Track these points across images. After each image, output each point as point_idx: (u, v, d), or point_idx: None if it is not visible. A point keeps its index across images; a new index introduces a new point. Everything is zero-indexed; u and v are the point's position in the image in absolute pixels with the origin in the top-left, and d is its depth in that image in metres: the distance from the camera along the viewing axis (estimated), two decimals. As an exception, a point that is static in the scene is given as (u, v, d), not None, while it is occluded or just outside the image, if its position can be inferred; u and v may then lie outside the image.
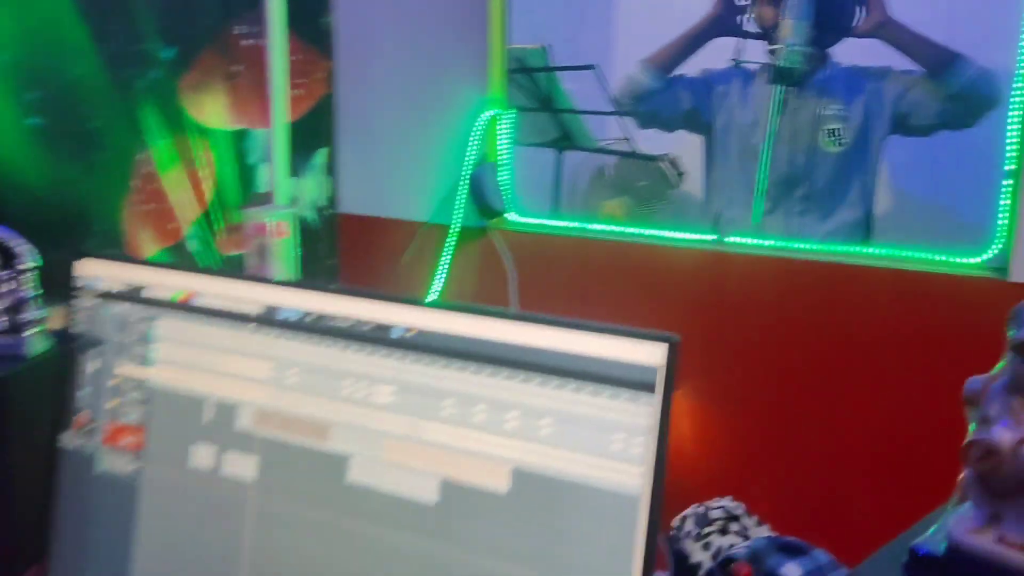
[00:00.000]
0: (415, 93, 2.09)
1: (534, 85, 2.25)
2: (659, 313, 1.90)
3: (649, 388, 0.65)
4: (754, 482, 1.75)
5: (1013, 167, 1.56)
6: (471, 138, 2.02)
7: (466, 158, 2.03)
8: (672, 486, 0.64)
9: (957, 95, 1.97)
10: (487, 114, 2.02)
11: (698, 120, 2.34)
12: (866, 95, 2.16)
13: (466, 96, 2.03)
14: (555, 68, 2.18)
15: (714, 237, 1.85)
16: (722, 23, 2.15)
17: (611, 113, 2.20)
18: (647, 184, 3.07)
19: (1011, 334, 0.74)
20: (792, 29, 1.96)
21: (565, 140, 2.35)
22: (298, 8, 2.01)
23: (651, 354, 0.65)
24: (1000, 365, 0.75)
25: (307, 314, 0.77)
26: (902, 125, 2.16)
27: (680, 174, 3.20)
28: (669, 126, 2.36)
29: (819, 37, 2.07)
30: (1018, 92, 1.53)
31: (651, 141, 2.50)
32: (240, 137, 2.12)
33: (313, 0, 2.08)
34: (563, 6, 2.97)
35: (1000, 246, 1.62)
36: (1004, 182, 1.59)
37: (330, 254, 2.20)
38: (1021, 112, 1.54)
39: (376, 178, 2.19)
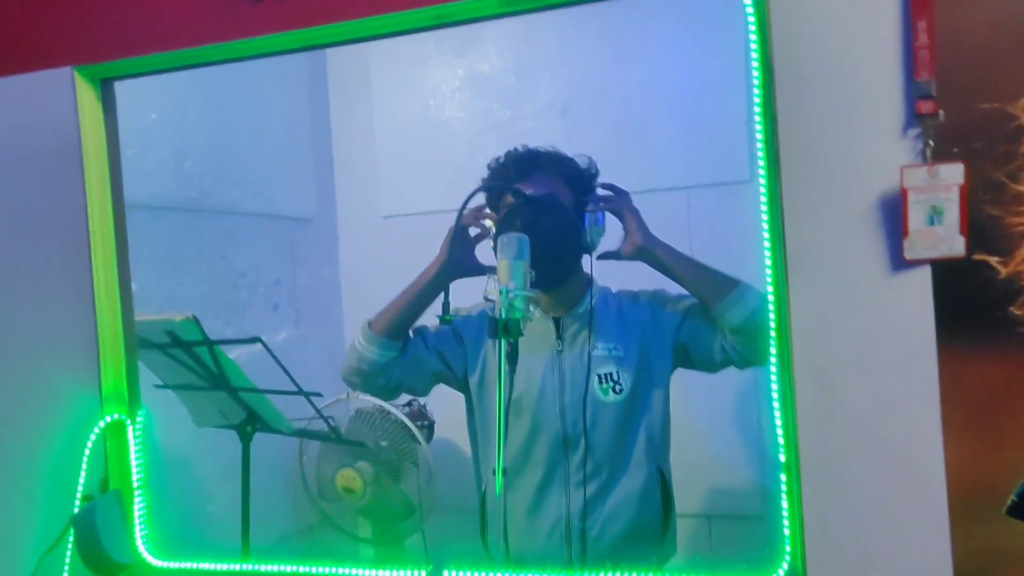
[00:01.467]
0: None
1: (196, 361, 1.71)
2: None
3: None
4: None
5: (785, 458, 1.15)
6: (82, 459, 1.41)
7: (77, 488, 1.41)
8: None
9: (740, 328, 1.60)
10: (104, 420, 1.43)
11: (451, 376, 1.84)
12: (640, 327, 1.76)
13: (72, 398, 1.43)
14: (214, 342, 1.65)
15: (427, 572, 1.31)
16: (457, 265, 1.71)
17: (296, 393, 1.68)
18: (389, 444, 2.54)
19: None
20: (509, 271, 1.52)
21: (252, 422, 1.80)
22: None
23: None
24: None
25: None
26: (685, 358, 1.77)
27: (428, 426, 2.71)
28: (419, 391, 1.85)
29: (553, 272, 1.65)
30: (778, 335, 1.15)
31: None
32: None
33: None
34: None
35: (790, 560, 1.18)
36: (780, 475, 1.17)
37: None
38: (782, 384, 1.15)
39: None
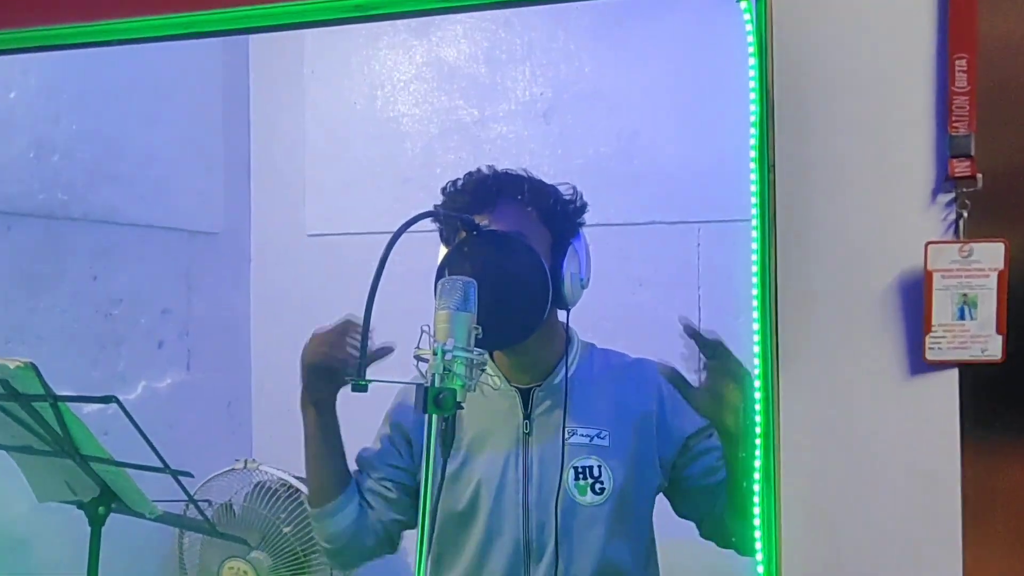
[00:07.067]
0: None
1: (36, 419, 1.68)
2: None
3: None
4: None
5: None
6: None
7: None
8: None
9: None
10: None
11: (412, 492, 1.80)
12: (640, 415, 1.71)
13: None
14: (59, 397, 1.62)
15: None
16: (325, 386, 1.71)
17: (161, 471, 1.65)
18: (293, 531, 2.49)
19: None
20: (448, 325, 1.46)
21: (105, 501, 1.77)
22: None
23: None
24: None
25: None
26: (672, 488, 1.74)
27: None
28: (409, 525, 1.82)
29: (506, 331, 1.60)
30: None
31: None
32: None
33: None
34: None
35: None
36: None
37: None
38: (764, 500, 1.14)
39: None
